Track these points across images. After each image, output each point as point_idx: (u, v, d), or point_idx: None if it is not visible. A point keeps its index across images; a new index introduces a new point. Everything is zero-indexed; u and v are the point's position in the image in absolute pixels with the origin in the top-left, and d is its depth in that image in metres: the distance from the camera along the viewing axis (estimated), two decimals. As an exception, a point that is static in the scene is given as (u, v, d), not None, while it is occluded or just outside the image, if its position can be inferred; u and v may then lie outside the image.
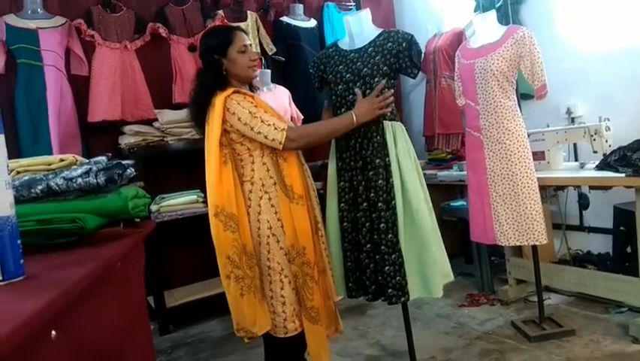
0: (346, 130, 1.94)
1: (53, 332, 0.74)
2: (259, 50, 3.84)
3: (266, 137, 1.76)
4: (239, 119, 1.75)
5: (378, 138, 1.97)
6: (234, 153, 1.84)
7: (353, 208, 2.06)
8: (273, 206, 1.82)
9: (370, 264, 2.02)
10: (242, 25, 3.74)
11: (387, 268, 1.95)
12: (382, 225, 1.95)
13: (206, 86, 1.86)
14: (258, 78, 2.35)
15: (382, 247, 1.96)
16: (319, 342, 1.86)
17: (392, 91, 1.96)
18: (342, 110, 2.03)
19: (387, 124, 1.98)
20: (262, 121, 1.76)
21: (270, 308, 1.84)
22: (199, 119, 1.89)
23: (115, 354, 1.11)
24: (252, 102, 1.79)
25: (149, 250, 1.78)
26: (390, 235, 1.94)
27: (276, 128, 1.76)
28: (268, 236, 1.81)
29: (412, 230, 1.95)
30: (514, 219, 2.50)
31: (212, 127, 1.79)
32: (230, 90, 1.79)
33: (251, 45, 1.91)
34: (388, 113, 1.98)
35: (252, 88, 2.05)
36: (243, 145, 1.82)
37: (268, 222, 1.81)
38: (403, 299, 1.97)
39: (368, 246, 2.02)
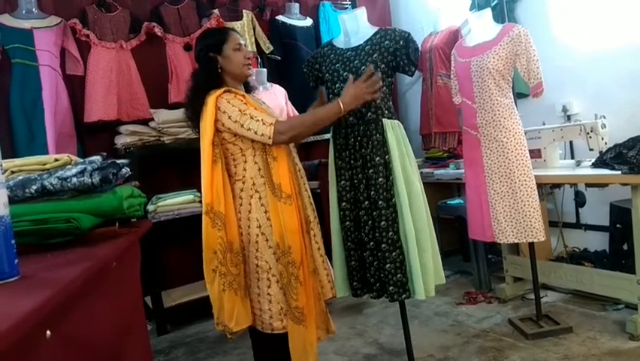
0: (334, 118, 1.91)
1: (48, 332, 0.73)
2: (255, 49, 3.83)
3: (256, 132, 1.77)
4: (229, 117, 1.77)
5: (378, 135, 1.97)
6: (227, 152, 1.85)
7: (355, 207, 2.07)
8: (263, 205, 1.83)
9: (374, 262, 2.03)
10: (237, 24, 3.74)
11: (388, 265, 1.96)
12: (383, 222, 1.95)
13: (201, 86, 1.88)
14: (254, 77, 2.35)
15: (383, 245, 1.96)
16: (303, 343, 1.85)
17: (379, 74, 1.92)
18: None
19: (386, 122, 1.98)
20: (251, 117, 1.77)
21: (257, 305, 1.86)
22: (195, 119, 1.90)
23: (111, 354, 1.10)
24: (242, 100, 1.81)
25: (147, 251, 1.78)
26: (390, 233, 1.95)
27: (264, 123, 1.77)
28: (257, 235, 1.83)
29: (411, 229, 1.95)
30: (512, 216, 2.50)
31: (204, 127, 1.81)
32: (221, 90, 1.81)
33: (245, 45, 1.93)
34: (378, 100, 1.95)
35: (249, 88, 2.06)
36: (235, 145, 1.83)
37: (257, 220, 1.83)
38: (404, 296, 1.97)
39: (371, 244, 2.02)
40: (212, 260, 1.80)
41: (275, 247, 1.82)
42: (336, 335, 2.14)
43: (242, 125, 1.77)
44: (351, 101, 1.86)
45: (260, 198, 1.83)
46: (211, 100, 1.79)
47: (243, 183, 1.85)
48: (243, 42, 1.93)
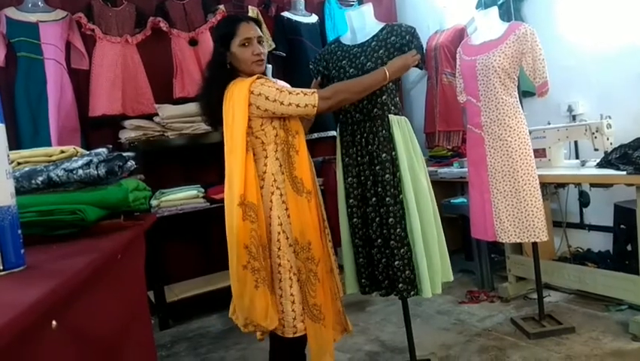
0: (379, 85, 1.92)
1: (54, 322, 0.73)
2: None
3: (298, 105, 1.74)
4: (266, 98, 1.72)
5: (384, 132, 1.97)
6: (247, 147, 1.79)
7: (362, 204, 2.06)
8: (284, 202, 1.78)
9: (382, 259, 2.03)
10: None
11: (397, 262, 1.95)
12: (391, 219, 1.95)
13: (216, 79, 1.82)
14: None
15: (392, 242, 1.96)
16: (321, 342, 1.81)
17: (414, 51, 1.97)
18: (346, 105, 2.03)
19: (392, 118, 1.98)
20: (289, 92, 1.75)
21: (279, 307, 1.78)
22: (210, 111, 1.87)
23: (115, 346, 1.10)
24: (275, 83, 1.80)
25: (149, 245, 1.76)
26: (398, 230, 1.95)
27: (305, 94, 1.76)
28: (279, 233, 1.77)
29: (418, 225, 1.95)
30: (515, 215, 2.49)
31: (235, 114, 1.74)
32: (254, 77, 1.77)
33: (260, 37, 1.83)
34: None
35: None
36: (258, 138, 1.78)
37: (279, 218, 1.77)
38: (413, 293, 1.97)
39: (379, 241, 2.02)
40: (243, 256, 1.70)
41: (294, 243, 1.78)
42: (352, 333, 2.11)
43: (282, 103, 1.73)
44: (399, 69, 1.94)
45: (281, 195, 1.78)
46: (242, 86, 1.73)
47: (263, 180, 1.78)
48: (255, 35, 1.81)
